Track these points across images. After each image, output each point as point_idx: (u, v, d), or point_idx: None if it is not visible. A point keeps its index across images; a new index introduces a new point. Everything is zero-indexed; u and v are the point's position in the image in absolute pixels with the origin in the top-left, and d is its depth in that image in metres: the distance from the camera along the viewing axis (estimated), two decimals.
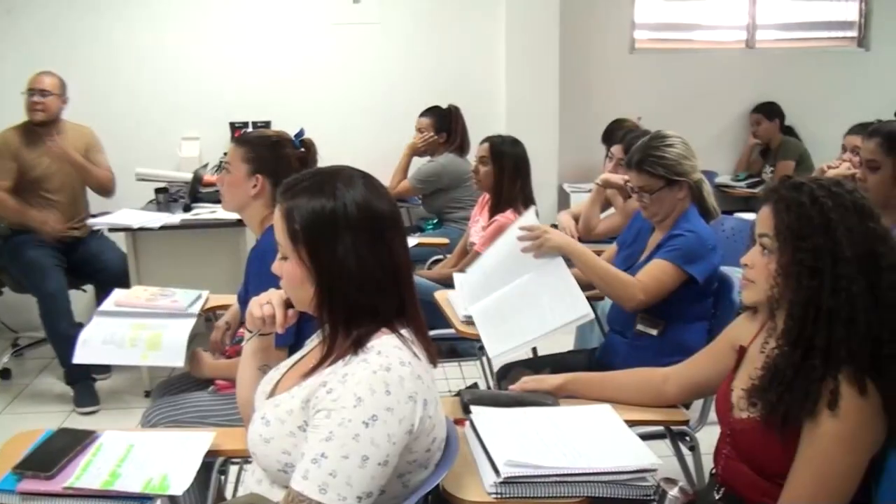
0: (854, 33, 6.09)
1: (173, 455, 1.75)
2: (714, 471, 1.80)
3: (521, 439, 1.72)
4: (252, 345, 1.79)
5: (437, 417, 1.52)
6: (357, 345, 1.47)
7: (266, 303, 1.65)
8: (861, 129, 3.49)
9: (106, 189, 4.38)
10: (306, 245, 1.48)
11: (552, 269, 2.46)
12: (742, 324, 1.87)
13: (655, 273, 2.49)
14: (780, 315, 1.64)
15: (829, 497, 1.51)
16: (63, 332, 3.87)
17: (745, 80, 5.83)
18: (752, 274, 1.68)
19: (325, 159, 1.70)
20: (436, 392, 1.53)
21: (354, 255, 1.46)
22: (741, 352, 1.78)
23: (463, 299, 2.73)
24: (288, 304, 1.64)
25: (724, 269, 2.61)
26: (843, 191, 1.61)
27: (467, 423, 1.84)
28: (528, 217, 2.65)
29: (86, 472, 1.68)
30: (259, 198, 2.50)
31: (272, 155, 2.51)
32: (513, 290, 2.54)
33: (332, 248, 1.47)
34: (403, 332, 1.52)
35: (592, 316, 2.30)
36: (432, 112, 4.82)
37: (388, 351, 1.45)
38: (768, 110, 5.66)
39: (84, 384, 4.03)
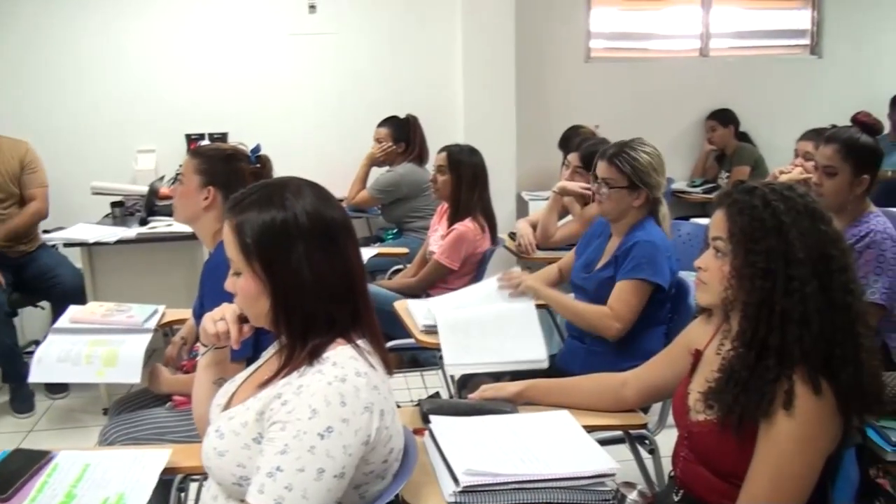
0: (807, 41, 6.22)
1: (130, 473, 1.72)
2: (673, 473, 1.80)
3: (479, 448, 1.72)
4: (206, 359, 1.77)
5: (395, 428, 1.51)
6: (312, 356, 1.45)
7: (220, 319, 1.63)
8: (813, 134, 3.56)
9: (36, 223, 4.30)
10: (259, 258, 1.47)
11: (522, 309, 2.59)
12: (697, 327, 1.89)
13: (624, 297, 2.54)
14: (734, 317, 1.65)
15: (786, 496, 1.52)
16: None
17: (700, 87, 5.92)
18: (705, 276, 1.70)
19: (282, 170, 1.69)
20: (393, 402, 1.52)
21: (308, 264, 1.45)
22: (697, 355, 1.80)
23: (427, 309, 2.74)
24: (242, 319, 1.62)
25: (681, 273, 2.64)
26: (795, 195, 1.63)
27: (426, 432, 1.84)
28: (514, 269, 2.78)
29: (41, 494, 1.65)
30: (210, 210, 2.47)
31: (226, 168, 2.49)
32: (483, 314, 2.63)
33: (285, 259, 1.46)
34: (359, 342, 1.51)
35: (546, 364, 2.37)
36: (390, 122, 4.82)
37: (344, 362, 1.44)
38: (723, 117, 5.74)
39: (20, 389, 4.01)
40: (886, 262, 2.56)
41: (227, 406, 1.58)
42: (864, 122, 2.74)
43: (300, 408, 1.37)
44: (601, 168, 2.66)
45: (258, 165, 2.58)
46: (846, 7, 6.06)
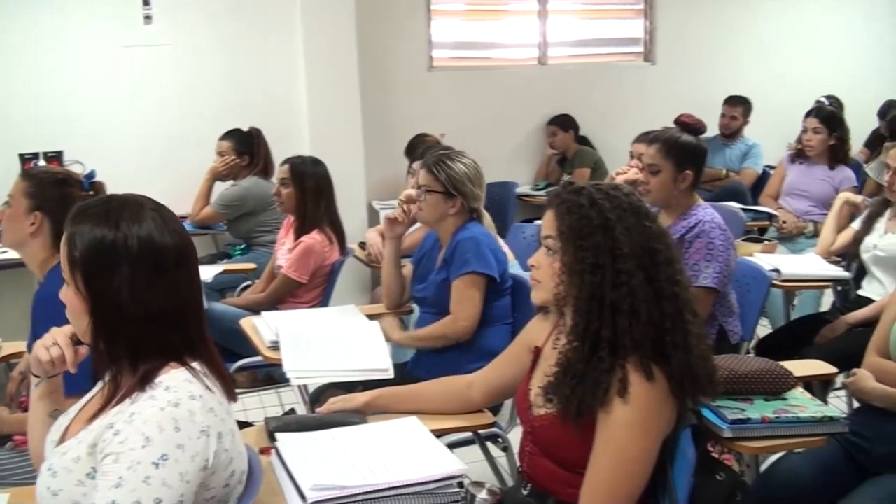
0: (640, 49, 6.51)
1: None
2: (521, 468, 1.84)
3: (327, 461, 1.70)
4: (40, 390, 1.67)
5: (235, 449, 1.47)
6: (144, 381, 1.40)
7: (52, 344, 1.56)
8: (646, 136, 3.73)
9: None
10: (82, 273, 1.43)
11: (366, 324, 2.67)
12: (536, 325, 1.94)
13: (460, 296, 2.63)
14: (568, 312, 1.71)
15: (627, 480, 1.59)
16: None
17: (540, 94, 6.09)
18: (538, 274, 1.76)
19: (124, 188, 1.63)
20: (232, 423, 1.48)
21: (130, 289, 1.41)
22: (536, 352, 1.85)
23: (273, 325, 2.69)
24: (76, 341, 1.55)
25: (525, 274, 2.72)
26: (620, 194, 1.72)
27: (273, 450, 1.79)
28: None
29: None
30: (37, 237, 2.33)
31: (56, 193, 2.36)
32: (326, 326, 2.69)
33: (107, 280, 1.41)
34: (194, 364, 1.46)
35: (391, 373, 2.37)
36: (233, 135, 4.69)
37: (178, 385, 1.40)
38: (563, 122, 5.93)
39: None
40: (716, 249, 2.73)
41: (62, 441, 1.50)
42: (685, 123, 2.92)
43: (133, 437, 1.32)
44: (420, 175, 2.78)
45: (91, 192, 2.47)
46: (677, 17, 6.39)
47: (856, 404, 2.33)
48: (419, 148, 4.39)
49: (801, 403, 2.00)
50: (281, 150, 4.30)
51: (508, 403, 2.41)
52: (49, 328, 1.62)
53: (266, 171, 4.65)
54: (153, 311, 1.42)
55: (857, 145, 5.45)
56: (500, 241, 3.05)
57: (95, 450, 1.36)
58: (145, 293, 1.42)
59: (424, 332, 2.73)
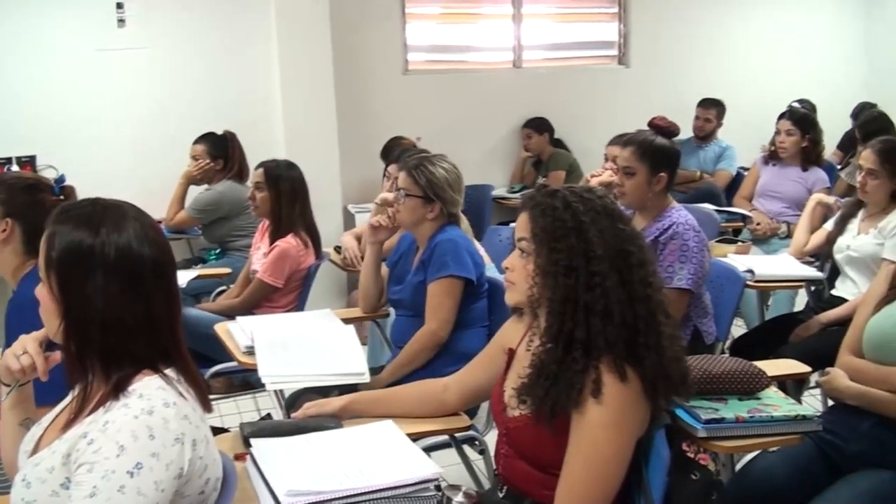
0: (614, 52, 6.55)
1: None
2: (496, 471, 1.84)
3: (302, 467, 1.69)
4: (10, 399, 1.65)
5: (210, 456, 1.46)
6: (118, 389, 1.39)
7: (22, 352, 1.55)
8: (620, 139, 3.75)
9: None
10: (56, 275, 1.42)
11: (342, 328, 2.64)
12: (510, 327, 1.95)
13: (437, 301, 2.62)
14: (541, 314, 1.72)
15: (601, 480, 1.59)
16: None
17: (515, 97, 6.10)
18: (512, 276, 1.76)
19: (96, 192, 1.61)
20: (206, 430, 1.47)
21: (103, 297, 1.40)
22: (511, 353, 1.85)
23: (248, 330, 2.68)
24: (48, 347, 1.54)
25: (501, 276, 2.71)
26: (594, 196, 1.73)
27: (248, 456, 1.78)
28: None
29: None
30: (9, 244, 2.29)
31: (26, 199, 2.32)
32: (302, 331, 2.66)
33: (80, 285, 1.40)
34: (168, 371, 1.45)
35: (367, 377, 2.36)
36: (207, 138, 4.66)
37: (151, 393, 1.39)
38: (538, 125, 5.94)
39: None
40: (690, 251, 2.75)
41: (35, 451, 1.48)
42: (659, 126, 2.93)
43: (107, 445, 1.31)
44: (401, 178, 2.76)
45: (62, 198, 2.44)
46: (651, 21, 6.44)
47: (830, 403, 2.35)
48: (395, 151, 4.39)
49: (775, 402, 2.02)
50: (256, 154, 4.28)
51: (485, 406, 2.41)
52: (23, 333, 1.60)
53: (241, 174, 4.62)
54: (126, 320, 1.41)
55: (829, 147, 5.51)
56: (477, 244, 3.05)
57: (69, 460, 1.34)
58: (118, 302, 1.41)
59: (405, 358, 2.65)
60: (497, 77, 6.16)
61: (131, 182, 4.53)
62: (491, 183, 5.78)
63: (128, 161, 4.93)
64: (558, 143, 6.02)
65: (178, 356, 1.49)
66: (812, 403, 3.44)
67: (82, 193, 2.45)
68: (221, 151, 4.64)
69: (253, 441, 1.83)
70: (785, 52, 6.79)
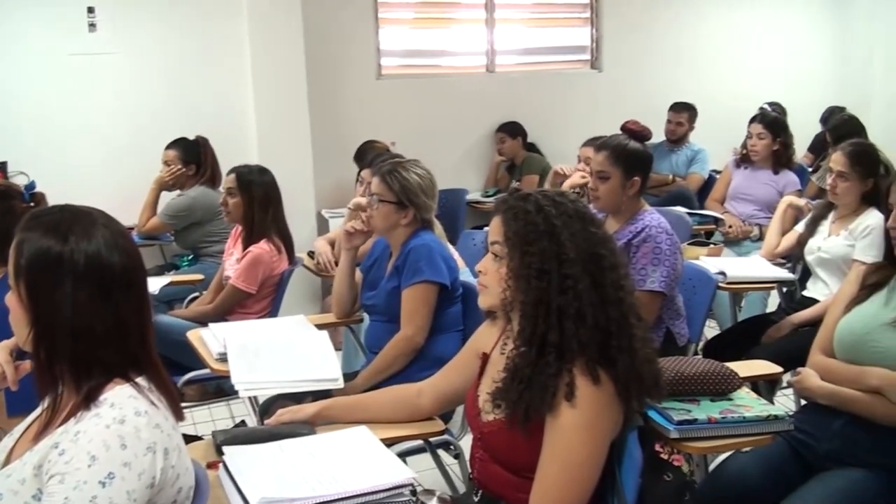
0: (587, 56, 6.59)
1: None
2: (471, 475, 1.84)
3: (275, 474, 1.68)
4: None
5: (182, 465, 1.44)
6: (89, 399, 1.38)
7: None
8: (593, 141, 3.77)
9: None
10: (25, 282, 1.40)
11: (315, 334, 2.62)
12: (484, 331, 1.95)
13: (410, 307, 2.62)
14: (515, 317, 1.72)
15: (576, 483, 1.59)
16: None
17: (488, 102, 6.12)
18: (485, 280, 1.77)
19: (67, 199, 1.60)
20: (178, 439, 1.46)
21: (71, 305, 1.38)
22: (485, 358, 1.85)
23: (220, 336, 2.66)
24: (19, 356, 1.52)
25: (475, 281, 2.71)
26: (566, 200, 1.73)
27: (221, 465, 1.76)
28: None
29: None
30: None
31: None
32: (275, 337, 2.65)
33: (48, 293, 1.39)
34: (139, 380, 1.44)
35: (341, 384, 2.35)
36: (179, 144, 4.62)
37: (122, 402, 1.37)
38: (511, 129, 5.96)
39: None
40: (662, 254, 2.76)
41: (7, 463, 1.46)
42: (632, 130, 2.94)
43: (78, 456, 1.30)
44: (374, 183, 2.76)
45: (32, 204, 2.42)
46: (623, 25, 6.48)
47: (803, 402, 2.38)
48: (368, 154, 4.38)
49: (747, 403, 2.03)
50: (229, 159, 4.24)
51: (461, 410, 2.40)
52: None
53: (213, 180, 4.59)
54: (95, 328, 1.40)
55: (800, 150, 5.58)
56: (451, 249, 3.05)
57: (41, 471, 1.33)
58: (87, 310, 1.39)
59: (381, 364, 2.63)
60: (470, 82, 6.17)
61: (103, 188, 4.46)
62: (465, 187, 5.79)
63: (100, 167, 4.87)
64: (532, 147, 6.04)
65: (149, 364, 1.47)
66: (785, 403, 3.47)
67: (53, 199, 2.43)
68: (194, 157, 4.60)
69: (225, 449, 1.81)
70: (756, 56, 6.87)
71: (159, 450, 1.37)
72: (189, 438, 2.06)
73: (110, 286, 1.42)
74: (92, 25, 4.87)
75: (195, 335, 2.83)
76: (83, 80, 4.88)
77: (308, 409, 2.03)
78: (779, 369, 2.47)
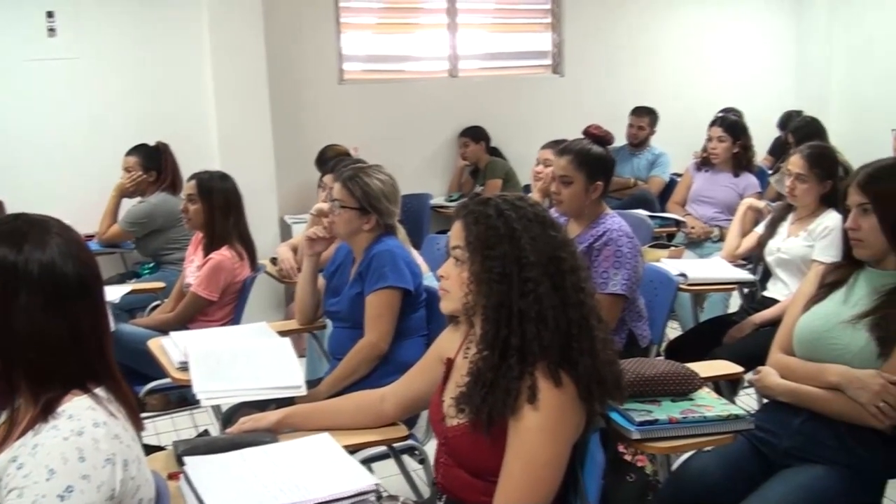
0: (549, 62, 6.64)
1: None
2: (436, 480, 1.84)
3: (237, 484, 1.66)
4: None
5: (142, 476, 1.42)
6: (46, 411, 1.35)
7: None
8: (553, 144, 3.78)
9: None
10: None
11: (278, 342, 2.59)
12: (447, 336, 1.95)
13: (374, 313, 2.61)
14: (477, 321, 1.72)
15: (539, 485, 1.59)
16: None
17: (451, 106, 6.13)
18: (447, 284, 1.77)
19: (25, 206, 1.57)
20: (138, 450, 1.43)
21: (25, 315, 1.36)
22: (448, 363, 1.85)
23: (181, 345, 2.62)
24: None
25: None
26: (526, 204, 1.74)
27: (182, 475, 1.74)
28: None
29: None
30: None
31: None
32: (236, 345, 2.62)
33: (3, 303, 1.36)
34: (98, 391, 1.41)
35: (304, 391, 2.33)
36: (139, 150, 4.56)
37: (81, 413, 1.35)
38: (474, 134, 5.98)
39: None
40: (624, 257, 2.78)
41: None
42: (594, 135, 2.96)
43: (36, 469, 1.27)
44: (336, 189, 2.75)
45: None
46: (585, 30, 6.55)
47: (765, 401, 2.40)
48: (329, 159, 4.35)
49: (708, 403, 2.05)
50: (190, 165, 4.20)
51: (425, 415, 2.40)
52: None
53: (174, 186, 4.54)
54: (51, 339, 1.37)
55: (760, 153, 5.65)
56: (415, 254, 3.05)
57: (0, 485, 1.30)
58: (42, 320, 1.37)
59: (345, 370, 2.62)
60: (433, 86, 6.19)
61: (63, 195, 4.41)
62: (429, 191, 5.79)
63: (59, 174, 4.81)
64: (494, 152, 6.06)
65: (107, 374, 1.45)
66: (748, 403, 3.51)
67: (12, 208, 2.39)
68: (154, 163, 4.55)
69: (187, 459, 1.78)
70: (715, 61, 6.98)
71: (118, 461, 1.34)
72: (152, 449, 2.04)
73: (65, 296, 1.39)
74: (51, 30, 4.81)
75: (156, 344, 2.78)
76: (42, 85, 4.82)
77: (270, 417, 2.01)
78: (739, 369, 2.49)
